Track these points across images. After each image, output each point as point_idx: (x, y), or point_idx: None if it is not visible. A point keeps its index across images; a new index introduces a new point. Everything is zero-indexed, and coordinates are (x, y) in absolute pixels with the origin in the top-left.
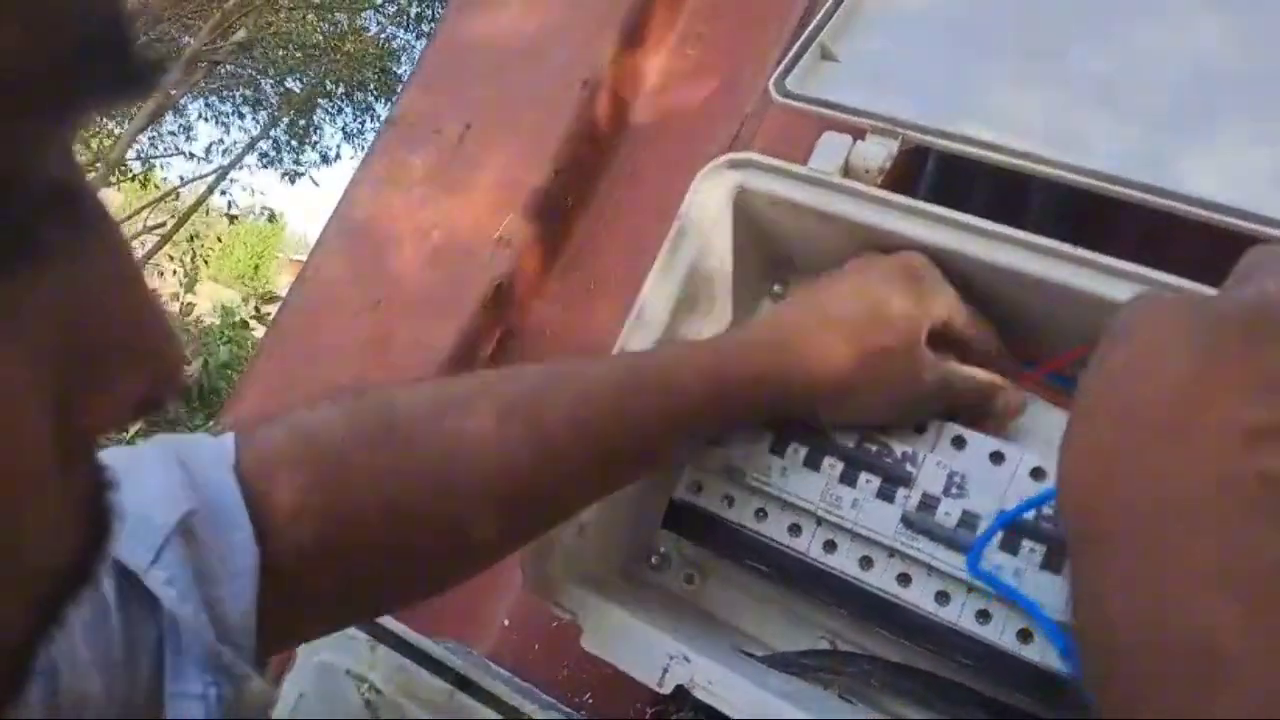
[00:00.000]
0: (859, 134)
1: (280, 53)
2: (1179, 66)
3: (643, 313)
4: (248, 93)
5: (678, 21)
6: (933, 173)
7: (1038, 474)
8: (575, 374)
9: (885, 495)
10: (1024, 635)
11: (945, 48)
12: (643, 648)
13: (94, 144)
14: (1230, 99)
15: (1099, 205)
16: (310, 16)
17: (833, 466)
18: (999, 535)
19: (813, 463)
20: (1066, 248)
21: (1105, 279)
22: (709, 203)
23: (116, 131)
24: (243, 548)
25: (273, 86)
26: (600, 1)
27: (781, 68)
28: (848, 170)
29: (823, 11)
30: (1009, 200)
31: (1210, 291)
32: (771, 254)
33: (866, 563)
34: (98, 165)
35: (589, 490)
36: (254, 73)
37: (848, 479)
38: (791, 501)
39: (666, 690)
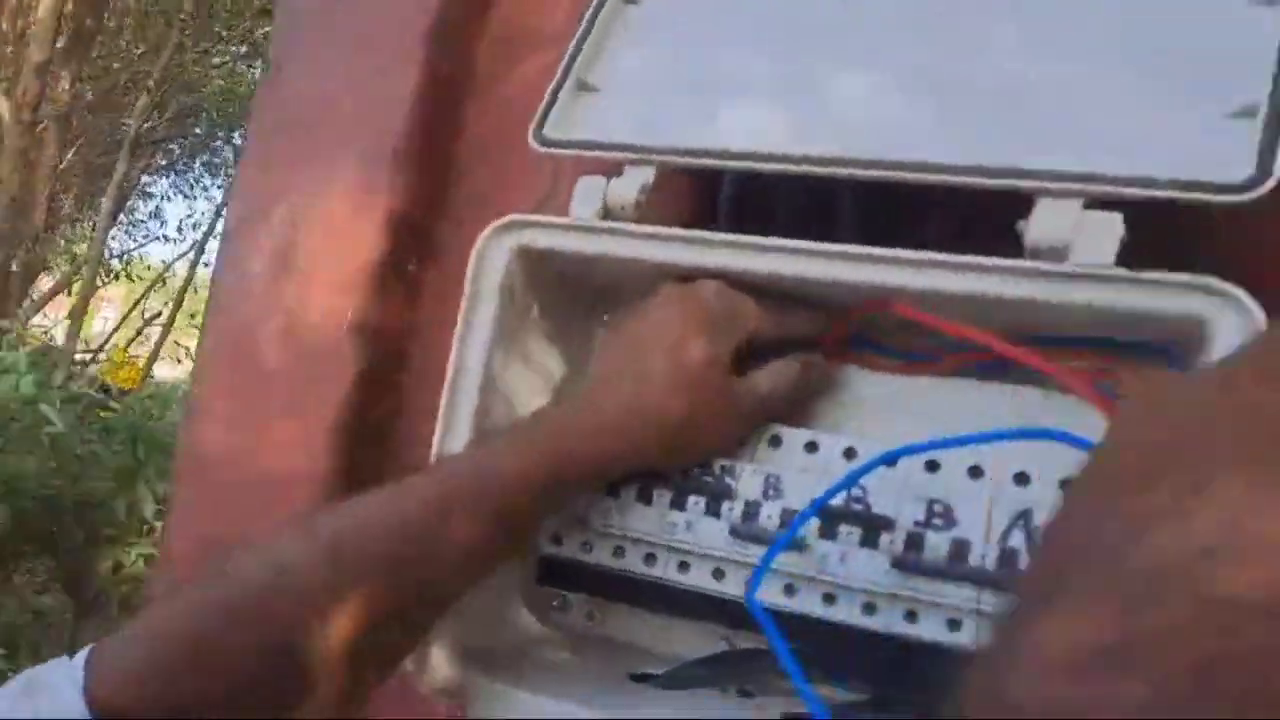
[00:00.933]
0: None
1: (223, 112)
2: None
3: (455, 385)
4: (205, 158)
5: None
6: (729, 194)
7: (850, 454)
8: (402, 499)
9: (712, 512)
10: (868, 608)
11: (693, 63)
12: (520, 713)
13: (74, 249)
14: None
15: (902, 198)
16: (239, 66)
17: (661, 496)
18: (816, 524)
19: (644, 497)
20: (794, 243)
21: (834, 264)
22: (493, 268)
23: (91, 233)
24: None
25: (225, 144)
26: (399, 59)
27: (538, 115)
28: (607, 211)
29: (573, 44)
30: (814, 210)
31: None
32: (587, 290)
33: (719, 574)
34: (81, 270)
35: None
36: (204, 137)
37: (677, 505)
38: (632, 536)
39: None
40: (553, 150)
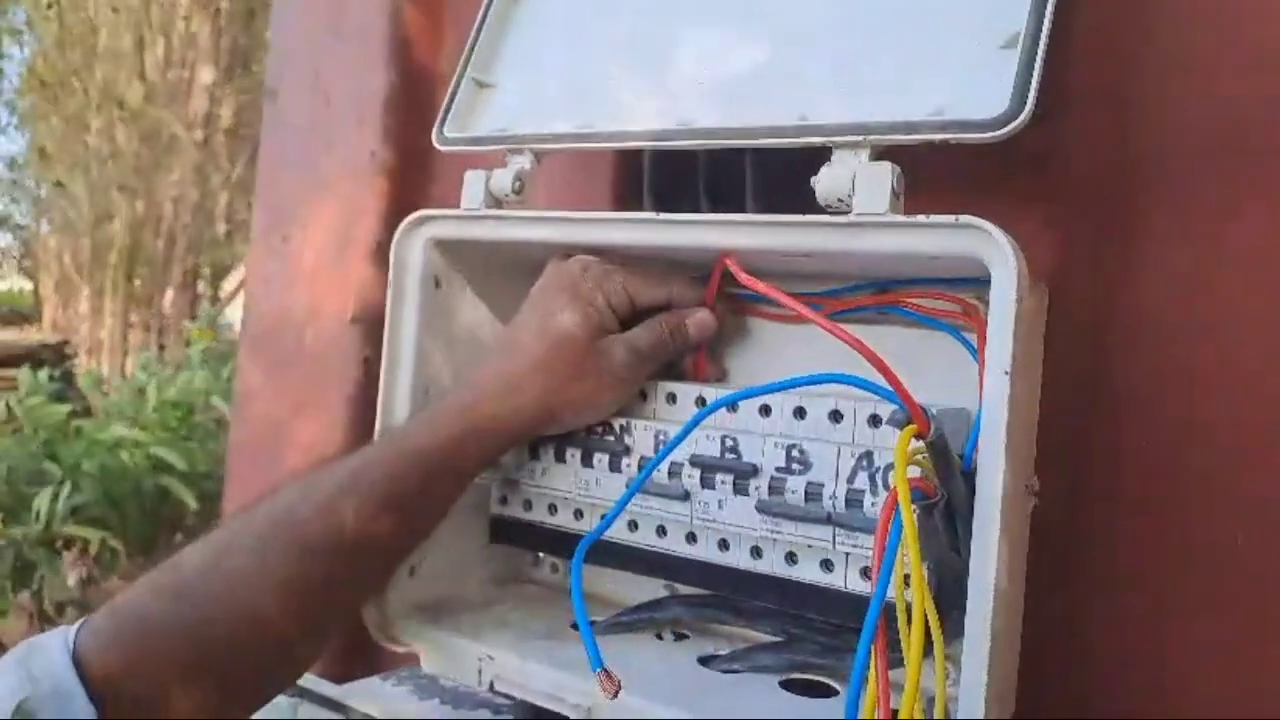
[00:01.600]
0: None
1: None
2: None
3: (389, 375)
4: None
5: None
6: (650, 174)
7: (734, 407)
8: (318, 486)
9: (614, 468)
10: (755, 552)
11: (575, 50)
12: (461, 658)
13: None
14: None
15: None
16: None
17: (573, 456)
18: (698, 473)
19: (560, 457)
20: (640, 216)
21: (674, 230)
22: (412, 260)
23: None
24: (82, 712)
25: None
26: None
27: (440, 115)
28: (494, 200)
29: (467, 45)
30: (724, 182)
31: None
32: (512, 264)
33: (633, 526)
34: None
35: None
36: None
37: (586, 463)
38: (558, 494)
39: (485, 686)
40: (450, 148)
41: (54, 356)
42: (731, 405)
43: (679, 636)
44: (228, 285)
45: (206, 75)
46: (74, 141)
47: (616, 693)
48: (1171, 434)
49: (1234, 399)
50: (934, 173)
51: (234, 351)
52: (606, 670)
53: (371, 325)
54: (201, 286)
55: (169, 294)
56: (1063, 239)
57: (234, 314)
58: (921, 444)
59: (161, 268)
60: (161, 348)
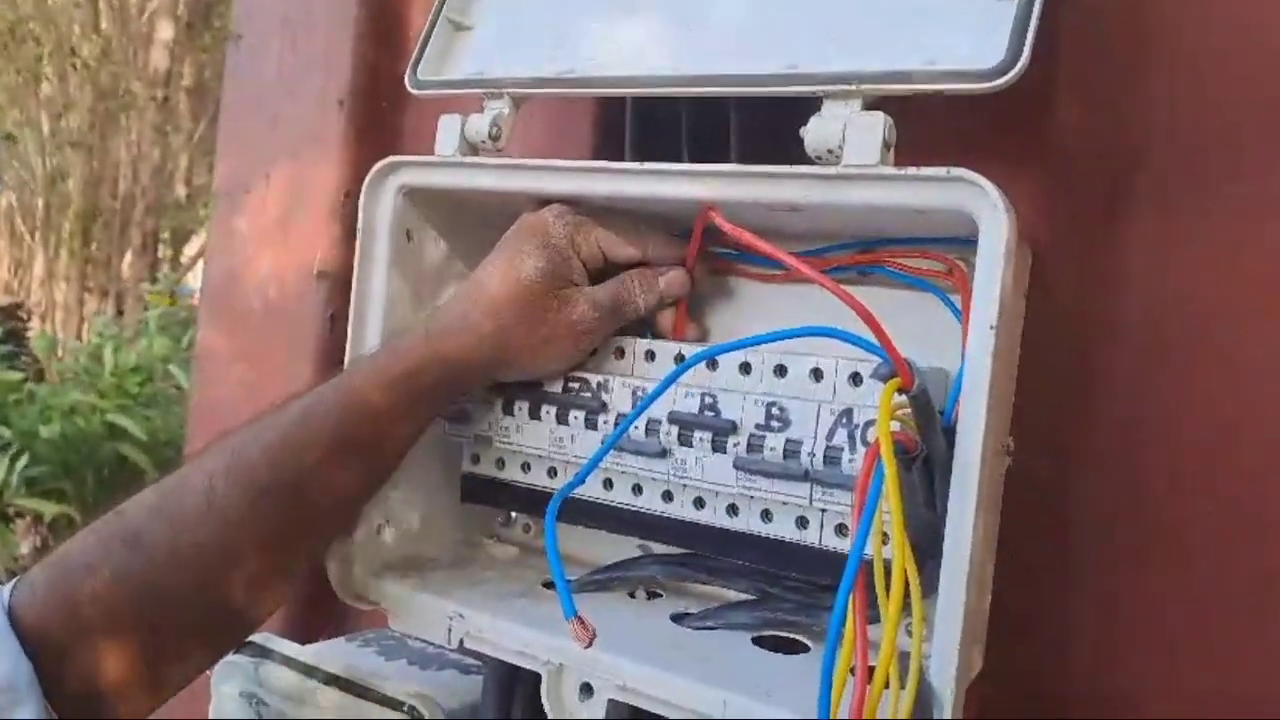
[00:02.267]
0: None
1: None
2: None
3: (357, 323)
4: None
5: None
6: (632, 123)
7: (713, 365)
8: (269, 425)
9: (591, 425)
10: (731, 510)
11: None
12: (430, 617)
13: None
14: None
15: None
16: None
17: (548, 413)
18: (675, 430)
19: (535, 414)
20: (626, 165)
21: (656, 181)
22: (382, 208)
23: None
24: (12, 664)
25: None
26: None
27: (414, 57)
28: (470, 146)
29: None
30: (708, 134)
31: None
32: (486, 216)
33: (609, 485)
34: None
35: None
36: None
37: (561, 419)
38: (531, 451)
39: (454, 644)
40: (424, 92)
41: (6, 319)
42: (711, 362)
43: (652, 595)
44: (189, 250)
45: (166, 31)
46: (25, 95)
47: (590, 641)
48: (1148, 406)
49: (1211, 372)
50: (920, 127)
51: (194, 318)
52: (580, 618)
53: (338, 281)
54: (162, 251)
55: (127, 257)
56: (1049, 203)
57: (196, 281)
58: (904, 398)
59: (119, 230)
60: (120, 312)
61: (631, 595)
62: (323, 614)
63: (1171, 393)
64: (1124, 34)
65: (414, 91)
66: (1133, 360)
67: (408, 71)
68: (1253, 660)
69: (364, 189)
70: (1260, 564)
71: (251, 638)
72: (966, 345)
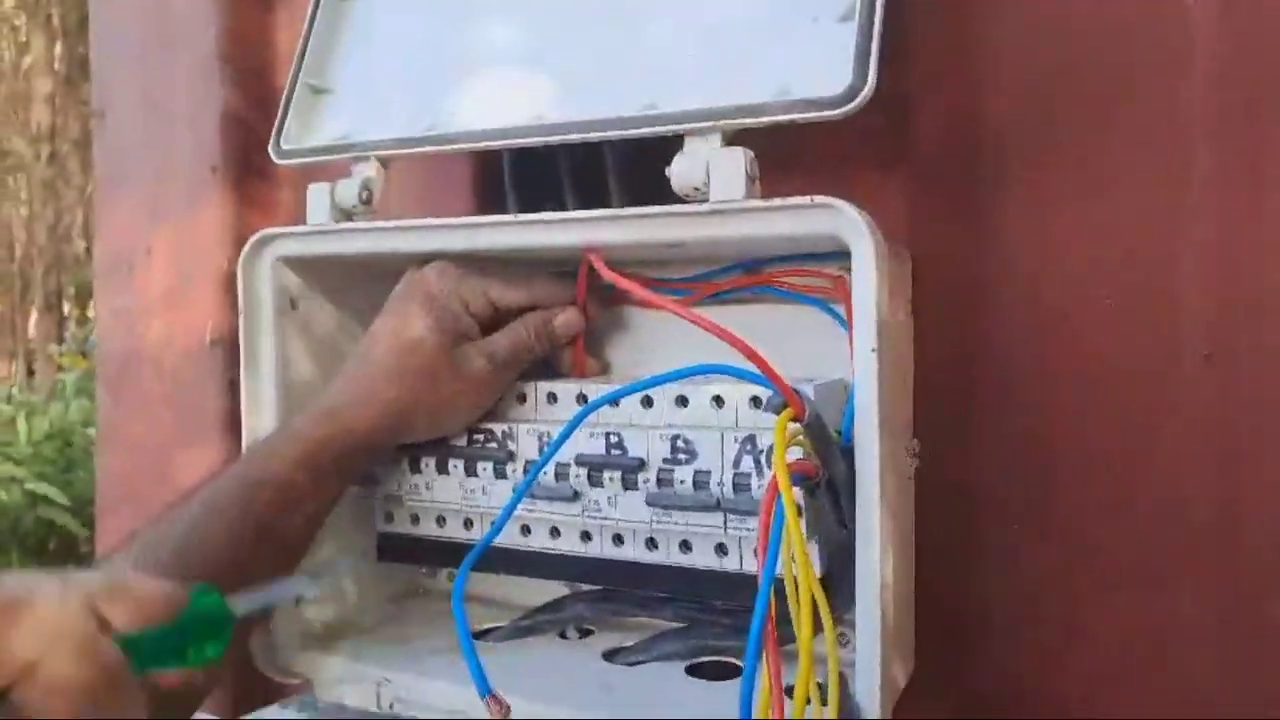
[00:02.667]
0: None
1: None
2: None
3: (253, 398)
4: None
5: None
6: (510, 176)
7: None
8: (176, 519)
9: (500, 474)
10: (650, 543)
11: (414, 51)
12: (358, 684)
13: None
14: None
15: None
16: None
17: (456, 467)
18: (584, 472)
19: (442, 469)
20: (503, 218)
21: (535, 231)
22: (260, 280)
23: None
24: None
25: None
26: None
27: (275, 127)
28: (341, 212)
29: (298, 50)
30: (588, 175)
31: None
32: (370, 274)
33: (526, 531)
34: None
35: None
36: None
37: (470, 472)
38: (444, 506)
39: (385, 710)
40: (288, 161)
41: None
42: (613, 401)
43: (584, 633)
44: (93, 309)
45: (44, 85)
46: None
47: (506, 716)
48: (1036, 389)
49: (1093, 367)
50: (791, 148)
51: None
52: (494, 696)
53: (233, 347)
54: (66, 308)
55: (33, 317)
56: (920, 204)
57: None
58: (799, 426)
59: (21, 292)
60: (30, 374)
61: (563, 635)
62: (255, 684)
63: (1056, 363)
64: (961, 29)
65: (279, 162)
66: (1019, 338)
67: (270, 142)
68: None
69: (240, 262)
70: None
71: None
72: (854, 366)
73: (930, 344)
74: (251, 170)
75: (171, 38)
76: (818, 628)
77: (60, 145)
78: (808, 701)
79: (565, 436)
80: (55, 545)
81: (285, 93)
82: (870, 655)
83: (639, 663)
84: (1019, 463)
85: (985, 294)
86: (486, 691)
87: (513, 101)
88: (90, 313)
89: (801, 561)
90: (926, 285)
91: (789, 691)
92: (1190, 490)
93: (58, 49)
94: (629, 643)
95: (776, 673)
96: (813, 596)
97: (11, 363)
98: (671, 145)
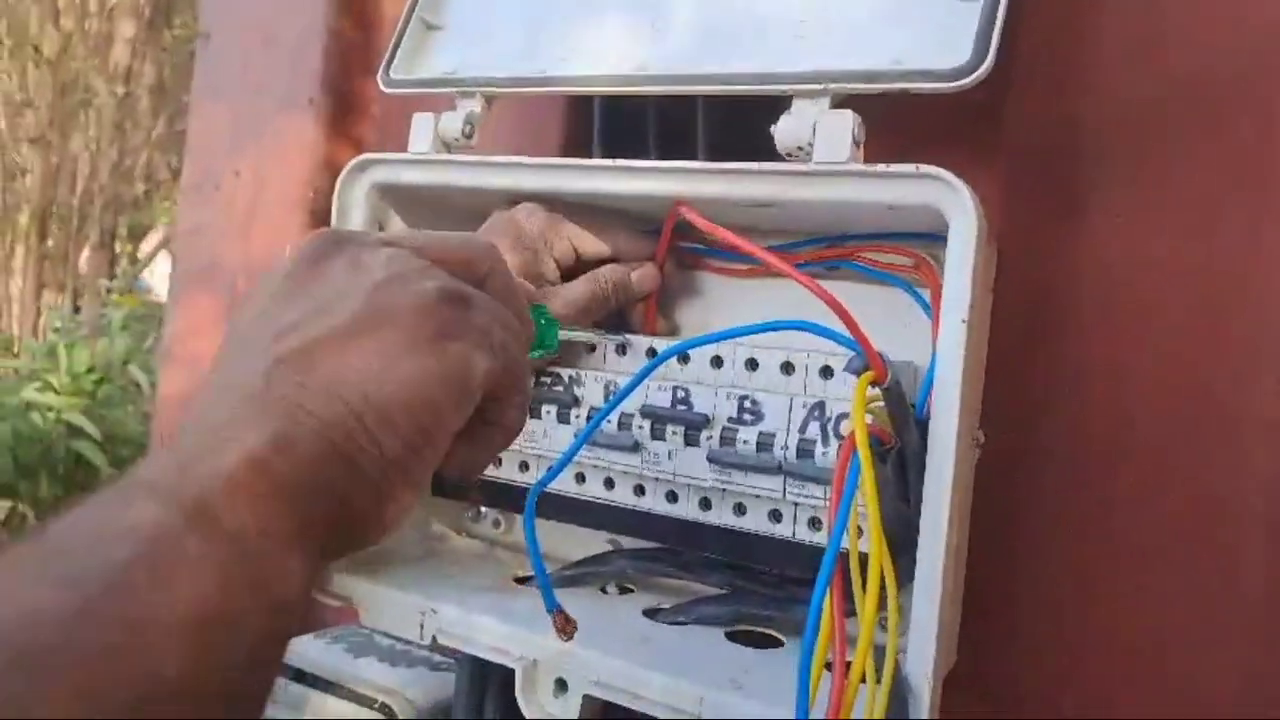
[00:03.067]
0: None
1: None
2: None
3: None
4: None
5: None
6: (600, 121)
7: (685, 359)
8: None
9: (563, 419)
10: (704, 503)
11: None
12: (403, 612)
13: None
14: None
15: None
16: None
17: None
18: (648, 424)
19: None
20: (601, 162)
21: (629, 178)
22: (355, 205)
23: None
24: None
25: None
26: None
27: (386, 56)
28: (443, 144)
29: None
30: (674, 131)
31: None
32: (458, 213)
33: (580, 479)
34: None
35: None
36: None
37: (534, 413)
38: None
39: (427, 640)
40: (397, 90)
41: None
42: (683, 357)
43: (623, 590)
44: (146, 246)
45: (128, 28)
46: None
47: (572, 634)
48: (1105, 400)
49: (1168, 375)
50: (887, 122)
51: (154, 315)
52: (562, 611)
53: None
54: (119, 247)
55: (85, 253)
56: (1012, 200)
57: (152, 277)
58: (878, 391)
59: (77, 226)
60: (76, 309)
61: (603, 590)
62: None
63: (1131, 381)
64: (1072, 27)
65: (386, 90)
66: (1092, 349)
67: (380, 70)
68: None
69: (338, 184)
70: (1226, 554)
71: None
72: (938, 339)
73: (1003, 337)
74: (346, 105)
75: None
76: (882, 601)
77: (135, 88)
78: (863, 680)
79: (638, 381)
80: (81, 478)
81: (399, 25)
82: (926, 637)
83: (679, 623)
84: (1081, 467)
85: (1064, 294)
86: (554, 605)
87: (620, 51)
88: (140, 253)
89: (873, 517)
90: (1007, 278)
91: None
92: (1254, 508)
93: None
94: (668, 604)
95: (841, 640)
96: (880, 563)
97: (60, 295)
98: (769, 107)
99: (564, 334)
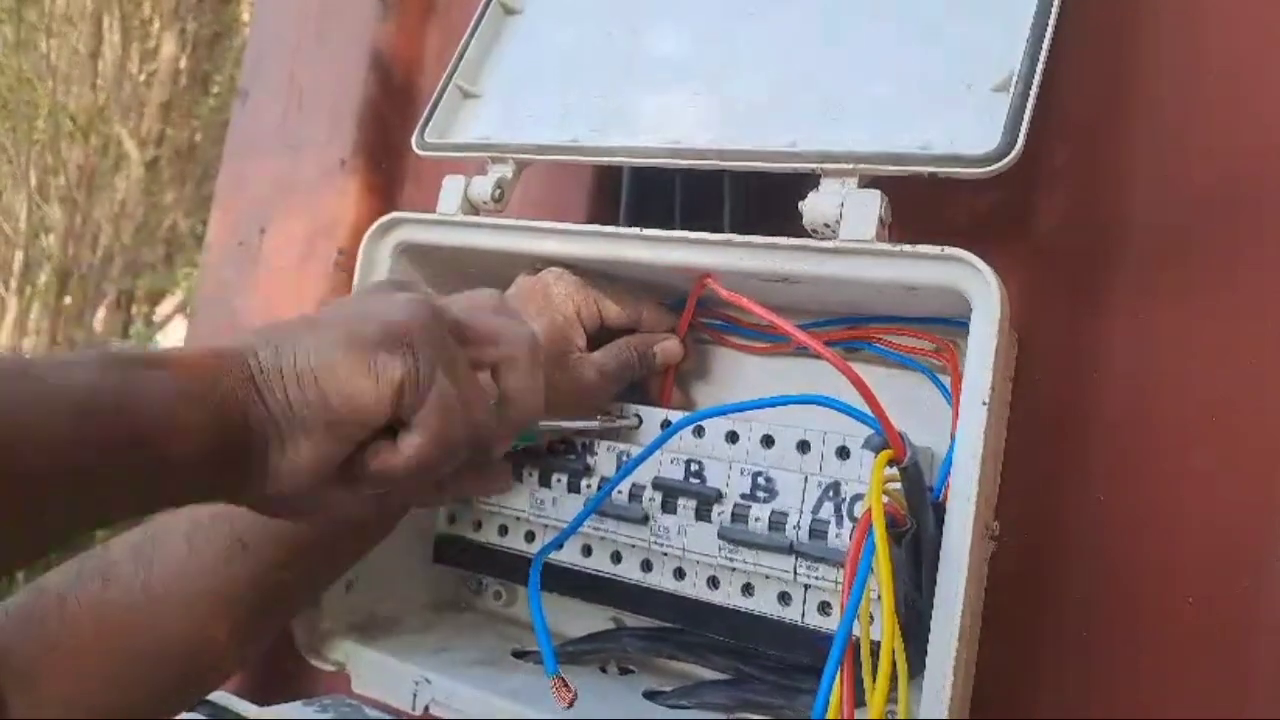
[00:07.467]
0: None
1: None
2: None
3: None
4: None
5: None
6: (628, 190)
7: (699, 432)
8: None
9: (573, 488)
10: (712, 582)
11: (563, 67)
12: (395, 680)
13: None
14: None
15: (776, 183)
16: None
17: (531, 474)
18: (659, 496)
19: (517, 475)
20: (628, 230)
21: (655, 247)
22: (379, 265)
23: None
24: None
25: None
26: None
27: (421, 121)
28: (471, 206)
29: (456, 55)
30: (701, 204)
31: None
32: (482, 277)
33: (587, 551)
34: None
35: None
36: None
37: (544, 482)
38: (511, 513)
39: (419, 711)
40: (430, 153)
41: None
42: (698, 430)
43: (624, 671)
44: (162, 310)
45: (161, 94)
46: (18, 151)
47: (572, 702)
48: (1128, 498)
49: (1196, 462)
50: (913, 206)
51: None
52: (562, 677)
53: None
54: (135, 309)
55: (100, 312)
56: (1034, 289)
57: (165, 340)
58: (895, 471)
59: (95, 285)
60: None
61: (603, 670)
62: (280, 675)
63: (1153, 485)
64: (1105, 121)
65: (420, 153)
66: (1112, 450)
67: (415, 133)
68: None
69: (364, 240)
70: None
71: (209, 696)
72: (958, 421)
73: (1020, 429)
74: (377, 169)
75: (326, 33)
76: (892, 688)
77: (163, 153)
78: None
79: (651, 451)
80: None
81: (437, 91)
82: None
83: (681, 707)
84: (1091, 581)
85: (1083, 389)
86: (554, 670)
87: (652, 123)
88: (157, 315)
89: (887, 594)
90: (1025, 369)
91: None
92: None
93: (183, 62)
94: (669, 687)
95: None
96: (892, 647)
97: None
98: (793, 183)
99: (544, 424)
